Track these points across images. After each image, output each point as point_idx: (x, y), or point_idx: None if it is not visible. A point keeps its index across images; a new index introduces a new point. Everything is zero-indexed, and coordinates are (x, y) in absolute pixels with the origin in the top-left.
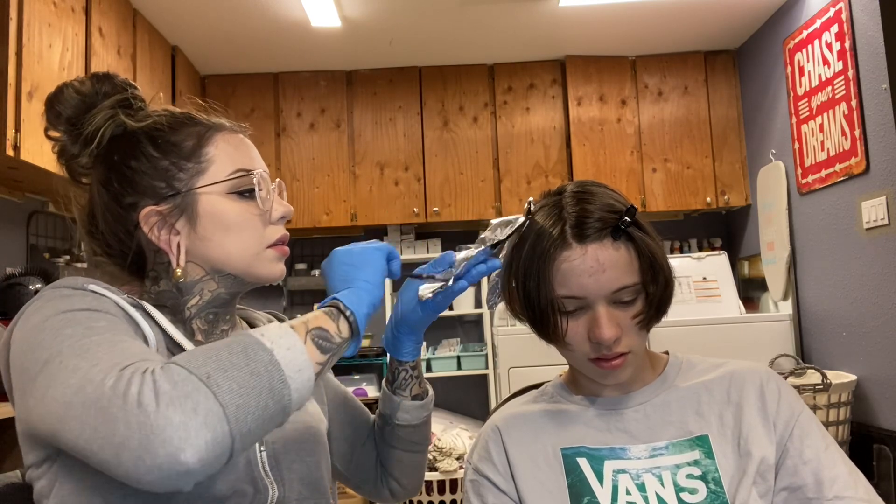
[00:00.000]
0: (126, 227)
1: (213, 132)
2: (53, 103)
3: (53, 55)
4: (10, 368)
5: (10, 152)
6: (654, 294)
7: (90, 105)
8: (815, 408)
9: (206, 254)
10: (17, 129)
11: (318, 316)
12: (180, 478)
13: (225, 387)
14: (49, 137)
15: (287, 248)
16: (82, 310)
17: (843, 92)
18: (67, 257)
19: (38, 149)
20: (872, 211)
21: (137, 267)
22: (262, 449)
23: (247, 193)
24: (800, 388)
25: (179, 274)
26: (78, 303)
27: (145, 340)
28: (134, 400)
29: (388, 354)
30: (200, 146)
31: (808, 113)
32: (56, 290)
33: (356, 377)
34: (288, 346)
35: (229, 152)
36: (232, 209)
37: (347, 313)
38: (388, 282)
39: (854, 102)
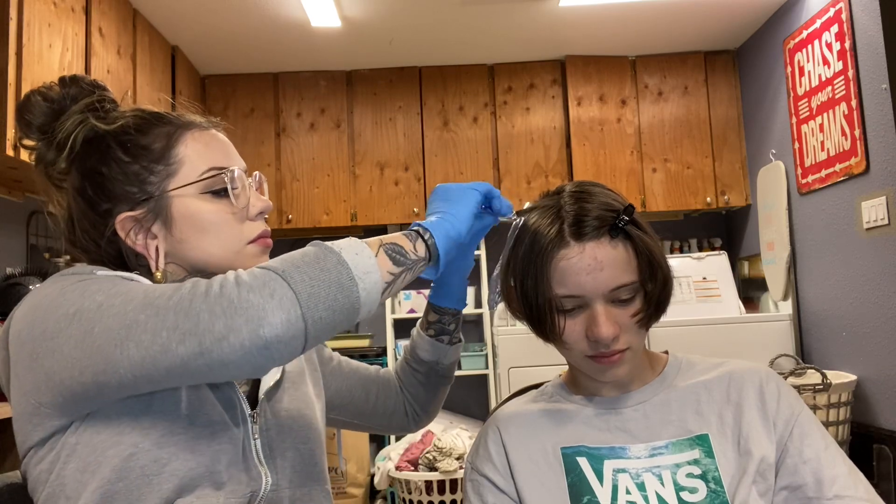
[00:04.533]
0: (103, 233)
1: (182, 131)
2: (22, 112)
3: (53, 55)
4: (12, 345)
5: (10, 152)
6: (653, 292)
7: (59, 111)
8: (815, 408)
9: (185, 255)
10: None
11: (395, 235)
12: (260, 353)
13: (297, 278)
14: (24, 146)
15: (270, 241)
16: (101, 277)
17: (843, 92)
18: (68, 257)
19: None
20: (872, 211)
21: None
22: (255, 437)
23: (221, 192)
24: (800, 388)
25: (160, 277)
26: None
27: None
28: (216, 292)
29: (441, 309)
30: (170, 147)
31: (808, 113)
32: (64, 277)
33: None
34: (356, 251)
35: (200, 151)
36: (206, 210)
37: (426, 236)
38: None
39: (854, 102)
